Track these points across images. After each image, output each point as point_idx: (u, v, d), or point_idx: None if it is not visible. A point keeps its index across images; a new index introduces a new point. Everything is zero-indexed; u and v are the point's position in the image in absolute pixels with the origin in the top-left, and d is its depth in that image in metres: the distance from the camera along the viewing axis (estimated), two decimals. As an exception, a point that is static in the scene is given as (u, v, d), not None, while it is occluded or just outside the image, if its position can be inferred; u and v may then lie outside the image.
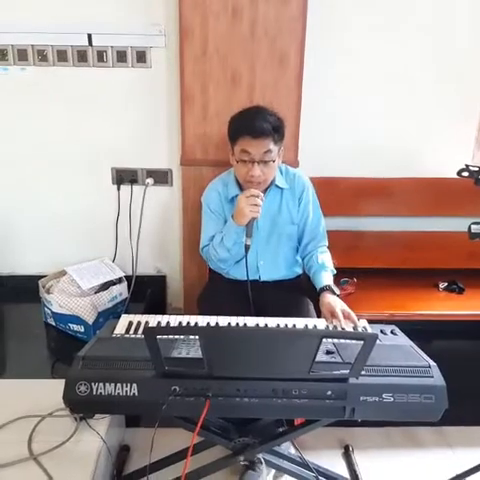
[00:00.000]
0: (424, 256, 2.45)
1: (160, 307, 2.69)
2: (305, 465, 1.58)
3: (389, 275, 2.38)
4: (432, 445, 1.92)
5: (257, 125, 1.76)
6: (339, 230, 2.42)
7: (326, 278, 1.86)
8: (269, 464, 1.59)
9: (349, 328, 1.60)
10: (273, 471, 1.72)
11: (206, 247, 1.98)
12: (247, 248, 1.78)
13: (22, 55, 2.31)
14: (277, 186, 1.96)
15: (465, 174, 1.42)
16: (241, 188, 1.92)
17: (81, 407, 1.32)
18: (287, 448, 1.74)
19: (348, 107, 2.40)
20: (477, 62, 2.36)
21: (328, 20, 2.25)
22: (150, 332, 1.15)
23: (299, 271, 2.08)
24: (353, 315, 1.64)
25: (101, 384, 1.23)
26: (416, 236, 2.50)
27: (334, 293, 1.79)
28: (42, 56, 2.31)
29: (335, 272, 1.94)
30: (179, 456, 1.58)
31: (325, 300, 1.75)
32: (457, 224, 2.37)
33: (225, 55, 2.16)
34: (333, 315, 1.66)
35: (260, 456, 1.57)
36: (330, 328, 1.61)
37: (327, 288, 1.81)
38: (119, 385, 1.23)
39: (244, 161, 1.81)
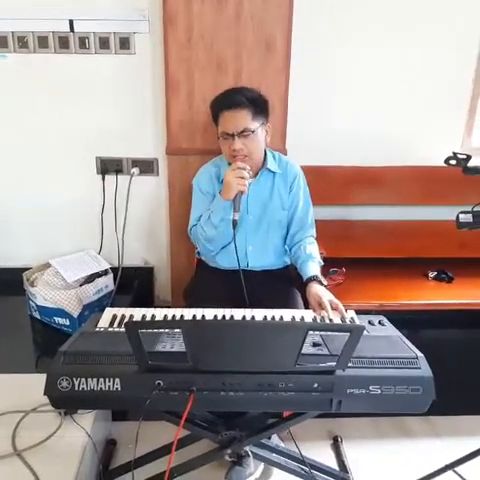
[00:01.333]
0: (413, 245, 2.44)
1: (147, 299, 2.67)
2: (293, 457, 1.58)
3: (378, 265, 2.36)
4: (421, 435, 1.93)
5: (232, 97, 1.83)
6: (328, 219, 2.41)
7: (313, 268, 1.85)
8: (256, 457, 1.58)
9: (337, 319, 1.58)
10: (261, 465, 1.71)
11: (194, 227, 1.96)
12: (235, 223, 1.76)
13: (2, 42, 2.27)
14: (269, 170, 1.94)
15: (453, 162, 1.40)
16: None
17: (63, 403, 1.29)
18: (276, 440, 1.74)
19: (338, 95, 2.38)
20: (467, 52, 2.35)
21: (316, 2, 2.21)
22: (131, 327, 1.12)
23: (287, 261, 2.06)
24: (341, 306, 1.63)
25: (83, 379, 1.21)
26: (405, 225, 2.50)
27: (321, 284, 1.78)
28: (23, 43, 2.26)
29: (322, 264, 1.92)
30: (165, 450, 1.56)
31: (312, 290, 1.74)
32: (446, 213, 2.35)
33: (210, 41, 2.13)
34: (321, 306, 1.64)
35: (247, 449, 1.56)
36: (318, 319, 1.59)
37: (314, 278, 1.80)
38: (102, 380, 1.21)
39: (226, 137, 1.82)
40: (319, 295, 1.69)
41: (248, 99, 1.81)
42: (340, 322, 1.56)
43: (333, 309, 1.62)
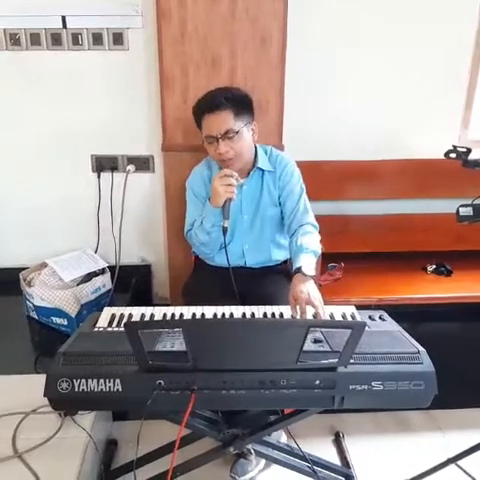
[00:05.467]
0: (411, 239, 2.44)
1: (146, 297, 2.65)
2: (295, 454, 1.57)
3: (377, 259, 2.37)
4: (423, 429, 1.93)
5: (211, 100, 1.78)
6: (325, 214, 2.39)
7: (301, 260, 1.70)
8: (259, 454, 1.58)
9: (309, 315, 1.48)
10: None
11: (190, 231, 1.95)
12: (225, 230, 1.73)
13: (-6, 39, 2.23)
14: (259, 168, 1.92)
15: (453, 155, 1.40)
16: None
17: (63, 404, 1.28)
18: (278, 437, 1.73)
19: (333, 89, 2.36)
20: (463, 44, 2.33)
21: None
22: (131, 327, 1.11)
23: (285, 256, 2.05)
24: (319, 309, 1.49)
25: (83, 380, 1.20)
26: (403, 219, 2.49)
27: (305, 275, 1.62)
28: (15, 40, 2.23)
29: (318, 253, 1.80)
30: (167, 449, 1.56)
31: (294, 286, 1.58)
32: (444, 206, 2.36)
33: (205, 36, 2.11)
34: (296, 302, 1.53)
35: (250, 447, 1.56)
36: (297, 316, 1.50)
37: (298, 270, 1.64)
38: (102, 381, 1.20)
39: (210, 140, 1.79)
40: (299, 294, 1.52)
41: (228, 99, 1.75)
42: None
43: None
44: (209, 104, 1.77)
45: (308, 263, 1.68)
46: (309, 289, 1.55)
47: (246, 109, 1.80)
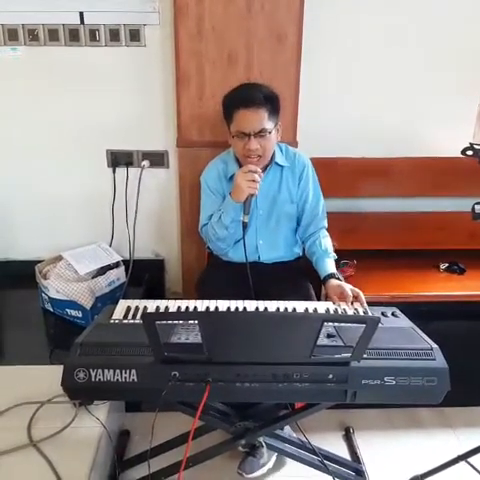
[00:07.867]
0: (425, 237, 2.42)
1: (159, 291, 2.68)
2: (306, 448, 1.58)
3: (389, 256, 2.36)
4: (433, 426, 1.93)
5: (249, 95, 1.77)
6: (338, 211, 2.39)
7: (331, 265, 1.85)
8: (270, 447, 1.59)
9: (359, 309, 1.58)
10: (274, 456, 1.72)
11: (205, 226, 1.96)
12: (245, 226, 1.76)
13: (12, 35, 2.25)
14: (277, 164, 1.93)
15: (469, 153, 1.39)
16: (241, 166, 1.88)
17: (80, 394, 1.31)
18: (289, 431, 1.74)
19: (348, 86, 2.35)
20: (477, 39, 2.30)
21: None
22: (148, 318, 1.13)
23: (299, 252, 2.06)
24: (362, 295, 1.63)
25: (100, 370, 1.22)
26: (416, 217, 2.48)
27: (340, 280, 1.77)
28: (33, 36, 2.25)
29: (336, 257, 1.92)
30: (179, 440, 1.58)
31: (332, 284, 1.74)
32: (458, 204, 2.36)
33: (221, 33, 2.11)
34: (341, 295, 1.65)
35: (261, 440, 1.57)
36: (339, 311, 1.57)
37: (333, 276, 1.79)
38: (118, 371, 1.22)
39: (240, 135, 1.79)
40: (342, 286, 1.69)
41: (265, 97, 1.76)
42: (361, 312, 1.56)
43: (354, 297, 1.62)
44: (246, 99, 1.76)
45: (334, 268, 1.85)
46: (349, 285, 1.70)
47: (277, 110, 1.82)
